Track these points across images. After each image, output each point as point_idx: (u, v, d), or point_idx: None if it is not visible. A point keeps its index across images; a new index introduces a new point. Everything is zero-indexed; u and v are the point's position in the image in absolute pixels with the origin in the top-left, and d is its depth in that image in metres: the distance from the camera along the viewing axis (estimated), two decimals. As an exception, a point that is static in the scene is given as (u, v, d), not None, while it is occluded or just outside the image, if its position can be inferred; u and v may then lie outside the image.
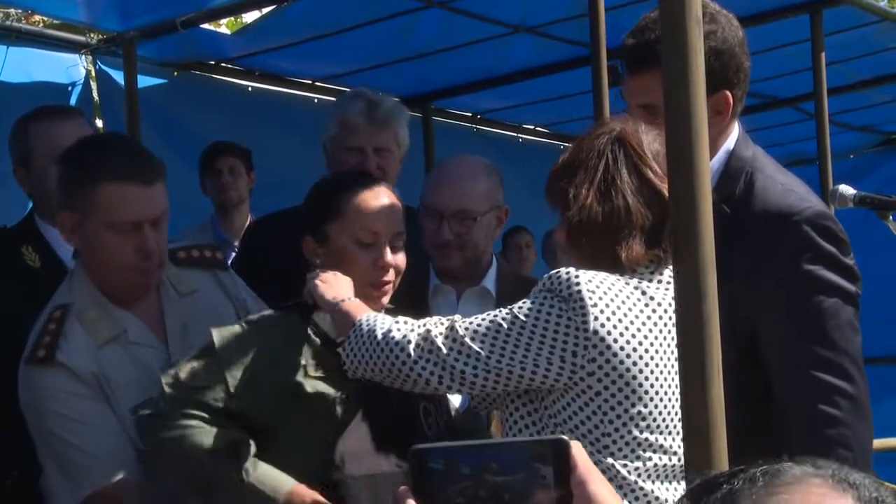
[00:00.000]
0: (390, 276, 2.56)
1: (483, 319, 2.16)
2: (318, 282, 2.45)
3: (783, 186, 2.49)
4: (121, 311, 2.68)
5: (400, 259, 2.57)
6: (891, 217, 2.89)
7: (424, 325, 2.20)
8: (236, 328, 2.53)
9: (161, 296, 2.75)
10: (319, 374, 2.48)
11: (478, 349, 2.11)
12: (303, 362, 2.49)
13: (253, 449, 2.45)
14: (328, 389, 2.47)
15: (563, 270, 2.11)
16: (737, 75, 2.50)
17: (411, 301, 2.79)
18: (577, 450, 1.18)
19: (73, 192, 2.60)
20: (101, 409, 2.58)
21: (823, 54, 5.58)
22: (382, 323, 2.24)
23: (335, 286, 2.43)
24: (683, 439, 1.77)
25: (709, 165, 1.76)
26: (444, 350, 2.13)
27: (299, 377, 2.48)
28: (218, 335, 2.50)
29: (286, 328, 2.54)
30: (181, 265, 2.83)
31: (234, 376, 2.46)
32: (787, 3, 5.39)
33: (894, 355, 7.15)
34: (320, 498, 2.40)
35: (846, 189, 2.73)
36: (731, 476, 1.08)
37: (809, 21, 5.49)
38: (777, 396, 2.40)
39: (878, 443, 2.80)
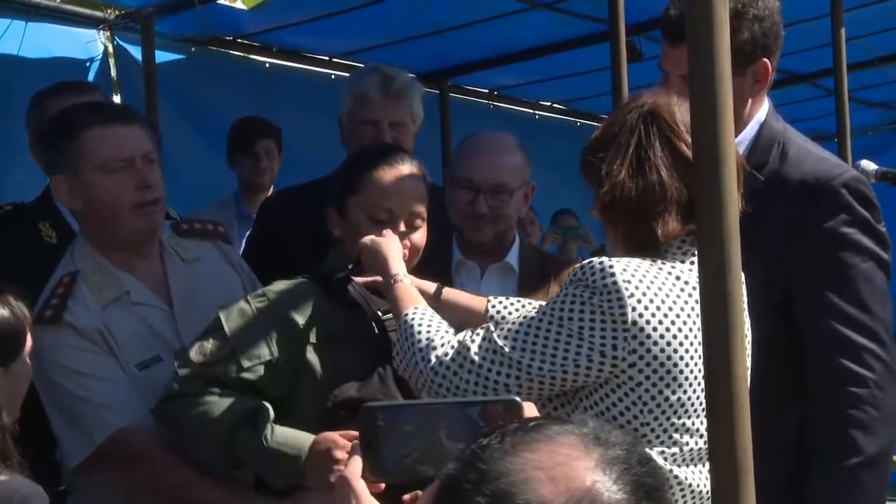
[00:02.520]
0: (404, 252, 2.53)
1: (518, 324, 2.10)
2: (373, 246, 2.41)
3: (816, 154, 2.52)
4: (124, 274, 2.71)
5: (416, 238, 2.55)
6: (911, 190, 2.90)
7: (463, 336, 2.14)
8: (242, 303, 2.52)
9: (165, 261, 2.77)
10: (333, 343, 2.48)
11: (518, 357, 2.05)
12: (312, 337, 2.48)
13: (271, 414, 2.44)
14: (339, 361, 2.46)
15: (595, 261, 2.06)
16: (776, 43, 2.53)
17: (434, 277, 2.77)
18: (529, 409, 1.18)
19: (59, 154, 2.64)
20: (108, 362, 2.62)
21: (843, 29, 5.52)
22: (425, 328, 2.17)
23: (391, 252, 2.38)
24: (707, 419, 1.74)
25: (733, 138, 1.73)
26: (479, 361, 2.08)
27: (309, 349, 2.47)
28: (224, 313, 2.50)
29: (297, 300, 2.53)
30: (184, 235, 2.86)
31: (243, 350, 2.45)
32: (807, -23, 5.33)
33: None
34: (340, 437, 2.36)
35: (868, 164, 2.73)
36: (492, 436, 1.07)
37: (829, -5, 5.43)
38: (809, 358, 2.40)
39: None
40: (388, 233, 2.45)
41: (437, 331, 2.16)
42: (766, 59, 2.51)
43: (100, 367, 2.61)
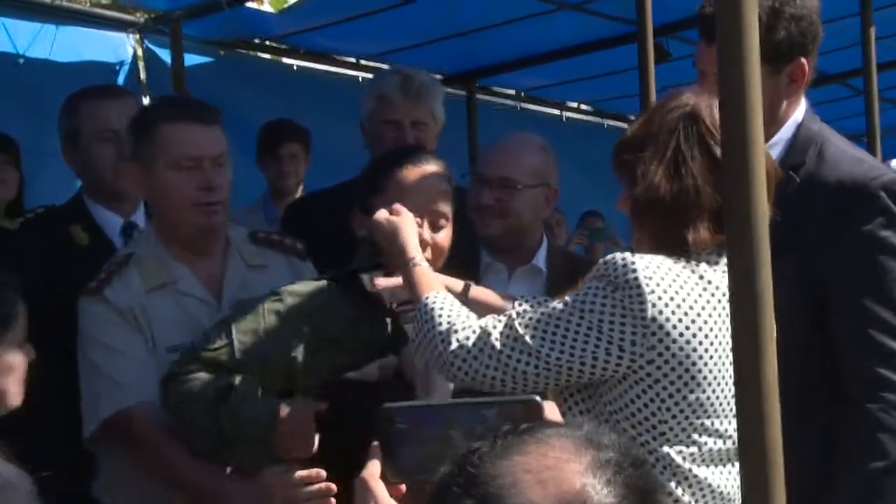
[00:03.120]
0: (427, 253, 2.53)
1: (540, 314, 2.09)
2: (387, 224, 2.38)
3: (854, 156, 2.51)
4: (180, 265, 2.76)
5: (439, 238, 2.55)
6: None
7: (485, 322, 2.13)
8: (255, 301, 2.55)
9: (227, 260, 2.82)
10: (333, 347, 2.49)
11: (537, 346, 2.05)
12: (314, 340, 2.49)
13: (251, 384, 2.48)
14: (334, 366, 2.48)
15: (618, 256, 2.05)
16: (813, 42, 2.51)
17: (463, 277, 2.79)
18: (551, 411, 1.17)
19: (137, 141, 2.70)
20: (135, 341, 2.68)
21: (873, 29, 5.49)
22: (446, 312, 2.16)
23: (407, 231, 2.35)
24: (737, 419, 1.73)
25: (762, 142, 1.72)
26: (499, 347, 2.07)
27: (308, 352, 2.49)
28: (236, 307, 2.56)
29: (308, 302, 2.54)
30: (259, 244, 2.90)
31: (241, 344, 2.49)
32: (835, -24, 5.30)
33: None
34: (313, 411, 2.41)
35: (898, 164, 2.71)
36: (486, 439, 1.07)
37: (859, -6, 5.40)
38: (842, 361, 2.39)
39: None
40: (402, 210, 2.41)
41: (459, 315, 2.16)
42: (802, 59, 2.49)
43: (124, 344, 2.67)
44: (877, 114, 5.68)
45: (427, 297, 2.20)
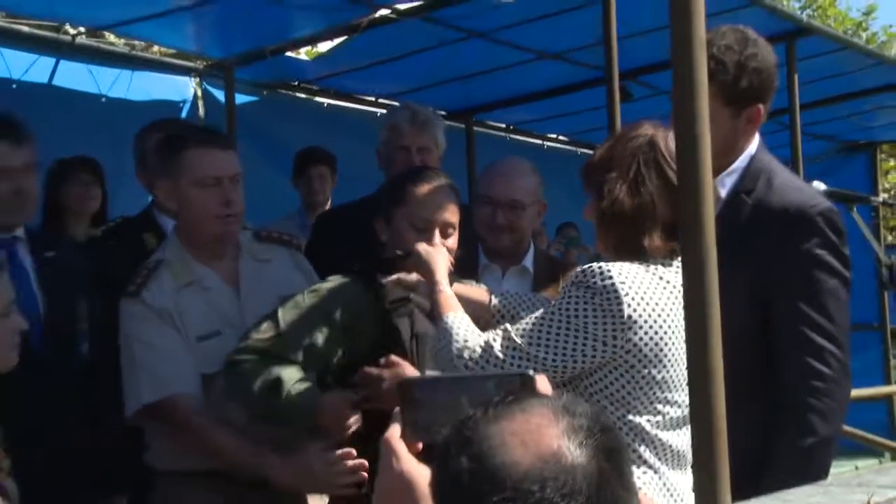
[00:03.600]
0: None
1: (532, 324, 2.06)
2: (424, 254, 2.35)
3: (797, 186, 2.52)
4: (201, 266, 2.70)
5: (449, 244, 2.52)
6: (854, 209, 2.88)
7: (488, 337, 2.11)
8: (297, 296, 2.51)
9: (239, 259, 2.76)
10: (361, 334, 2.47)
11: (534, 352, 2.02)
12: (346, 329, 2.46)
13: (297, 375, 2.43)
14: (357, 350, 2.46)
15: (594, 266, 2.03)
16: (769, 92, 2.51)
17: (464, 277, 2.79)
18: (542, 382, 1.17)
19: (166, 163, 2.65)
20: (172, 337, 2.62)
21: (796, 75, 5.51)
22: (461, 333, 2.13)
23: (438, 261, 2.33)
24: (689, 391, 1.72)
25: (710, 166, 1.71)
26: (501, 356, 2.05)
27: (341, 340, 2.46)
28: (281, 302, 2.50)
29: (341, 296, 2.50)
30: (262, 241, 2.84)
31: (290, 334, 2.44)
32: (767, 33, 5.27)
33: (861, 323, 7.07)
34: (349, 402, 2.38)
35: (819, 184, 2.70)
36: (482, 408, 1.06)
37: (785, 48, 5.41)
38: (780, 355, 2.39)
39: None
40: (438, 244, 2.41)
41: (470, 332, 2.13)
42: (760, 105, 2.49)
43: (161, 341, 2.61)
44: (800, 145, 5.70)
45: (447, 316, 2.17)
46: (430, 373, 2.34)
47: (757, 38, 2.50)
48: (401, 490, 1.13)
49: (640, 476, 2.01)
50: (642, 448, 2.04)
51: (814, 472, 2.30)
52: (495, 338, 2.07)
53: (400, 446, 1.19)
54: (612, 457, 1.02)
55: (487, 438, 1.02)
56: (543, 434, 1.01)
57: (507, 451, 1.00)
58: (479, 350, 2.07)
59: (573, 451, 1.00)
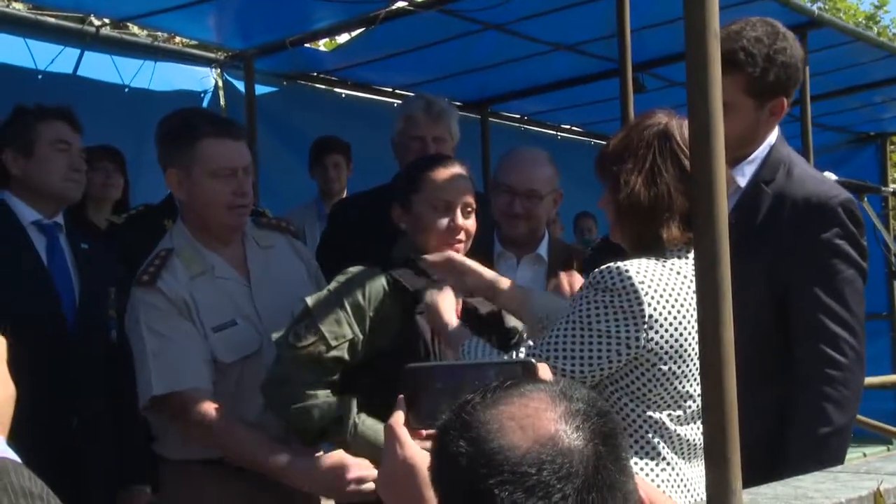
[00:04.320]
0: (462, 236, 2.49)
1: (554, 337, 2.00)
2: (435, 302, 2.33)
3: (816, 177, 2.49)
4: (211, 253, 2.65)
5: (470, 223, 2.50)
6: (865, 199, 2.85)
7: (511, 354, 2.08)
8: (325, 292, 2.46)
9: (246, 246, 2.72)
10: (385, 323, 2.43)
11: (561, 366, 1.96)
12: (373, 318, 2.43)
13: (354, 409, 2.40)
14: (382, 340, 2.43)
15: (612, 266, 1.97)
16: (793, 86, 2.49)
17: (480, 264, 2.77)
18: (543, 370, 1.16)
19: (178, 153, 2.59)
20: (186, 329, 2.54)
21: (808, 68, 5.45)
22: (478, 350, 2.10)
23: (446, 307, 2.31)
24: (701, 381, 1.70)
25: (724, 160, 1.67)
26: None
27: (369, 328, 2.43)
28: (311, 300, 2.43)
29: (366, 284, 2.47)
30: (262, 227, 2.81)
31: (330, 332, 2.40)
32: (779, 25, 5.25)
33: (870, 312, 7.01)
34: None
35: (830, 175, 2.68)
36: (480, 393, 1.05)
37: (797, 40, 5.35)
38: (796, 342, 2.37)
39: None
40: (447, 290, 2.38)
41: (490, 352, 2.11)
42: (783, 98, 2.46)
43: (177, 332, 2.54)
44: (810, 136, 5.65)
45: (464, 345, 2.14)
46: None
47: (786, 32, 2.47)
48: (404, 476, 1.12)
49: (658, 472, 1.98)
50: (661, 444, 1.99)
51: (828, 461, 2.27)
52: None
53: (403, 432, 1.19)
54: (609, 440, 1.02)
55: (485, 423, 1.01)
56: (541, 418, 1.01)
57: (505, 435, 1.00)
58: None
59: (570, 435, 1.00)
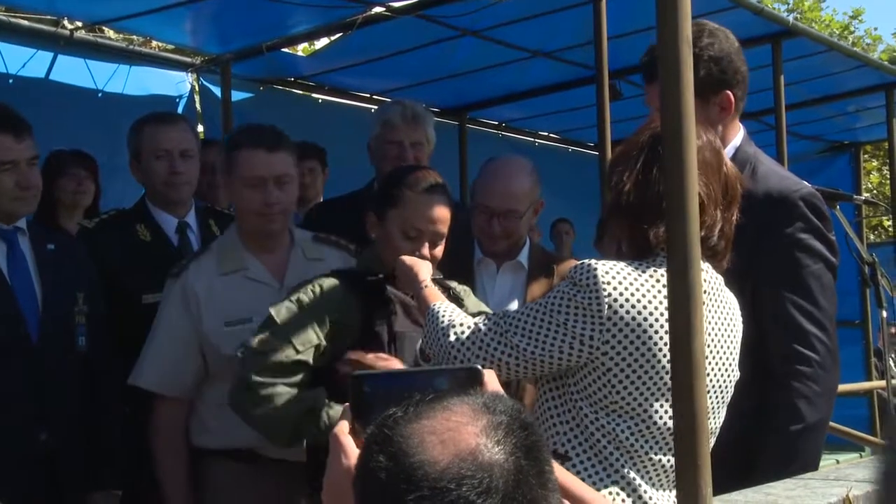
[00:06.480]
0: None
1: (520, 314, 2.03)
2: (408, 264, 2.39)
3: (780, 173, 2.49)
4: (250, 255, 2.78)
5: (437, 252, 2.50)
6: (838, 207, 2.86)
7: (477, 320, 2.08)
8: (287, 302, 2.46)
9: (290, 254, 2.83)
10: (348, 331, 2.43)
11: (516, 342, 1.98)
12: (335, 326, 2.43)
13: (325, 400, 2.39)
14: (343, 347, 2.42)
15: (586, 262, 1.96)
16: (735, 77, 2.47)
17: (459, 271, 2.74)
18: (490, 377, 1.15)
19: (226, 162, 2.77)
20: (186, 330, 2.71)
21: (782, 76, 5.50)
22: (447, 314, 2.12)
23: (420, 269, 2.36)
24: (672, 391, 1.69)
25: (695, 158, 1.68)
26: (487, 341, 2.01)
27: (331, 336, 2.43)
28: (274, 309, 2.45)
29: (330, 294, 2.47)
30: (318, 242, 2.89)
31: (296, 337, 2.40)
32: (753, 35, 5.27)
33: (843, 320, 7.05)
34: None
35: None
36: (404, 406, 1.04)
37: (771, 49, 5.40)
38: (767, 341, 2.35)
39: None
40: (425, 254, 2.44)
41: (457, 316, 2.12)
42: (728, 92, 2.45)
43: (178, 333, 2.71)
44: (785, 144, 5.68)
45: (434, 305, 2.17)
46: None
47: (714, 29, 2.47)
48: (347, 485, 1.10)
49: (602, 477, 1.93)
50: (614, 454, 1.94)
51: (802, 459, 2.27)
52: (485, 322, 2.04)
53: (347, 441, 1.17)
54: (531, 454, 1.00)
55: (407, 437, 0.99)
56: (462, 432, 0.99)
57: (425, 450, 0.98)
58: (466, 331, 2.04)
59: (491, 449, 0.98)
